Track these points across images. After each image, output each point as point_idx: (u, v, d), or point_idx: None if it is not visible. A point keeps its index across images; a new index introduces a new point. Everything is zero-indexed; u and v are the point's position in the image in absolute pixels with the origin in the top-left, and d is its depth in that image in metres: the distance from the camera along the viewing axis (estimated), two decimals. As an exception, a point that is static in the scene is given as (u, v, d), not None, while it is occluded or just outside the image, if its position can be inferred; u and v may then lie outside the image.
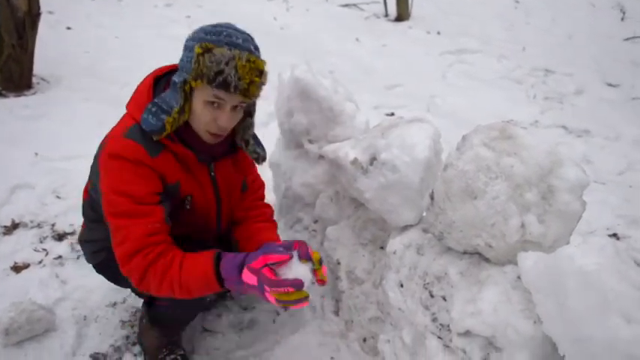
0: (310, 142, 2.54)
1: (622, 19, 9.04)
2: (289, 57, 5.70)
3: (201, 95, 1.82)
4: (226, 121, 1.88)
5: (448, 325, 1.79)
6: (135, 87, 2.00)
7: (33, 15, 4.59)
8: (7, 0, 4.44)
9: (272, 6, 8.28)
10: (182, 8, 7.54)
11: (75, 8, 7.03)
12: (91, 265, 2.32)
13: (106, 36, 6.23)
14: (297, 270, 1.71)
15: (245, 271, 1.73)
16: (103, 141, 1.99)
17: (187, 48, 1.82)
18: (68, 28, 6.40)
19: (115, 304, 2.67)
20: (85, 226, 2.28)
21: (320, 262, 1.80)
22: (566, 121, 5.40)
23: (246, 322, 2.64)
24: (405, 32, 7.85)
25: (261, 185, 2.48)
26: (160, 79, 2.00)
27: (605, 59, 7.29)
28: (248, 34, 1.86)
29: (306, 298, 1.70)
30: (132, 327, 2.56)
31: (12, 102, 4.49)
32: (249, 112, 2.12)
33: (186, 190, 2.01)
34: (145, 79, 1.99)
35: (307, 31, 7.42)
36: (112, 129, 1.96)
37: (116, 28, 6.48)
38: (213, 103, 1.83)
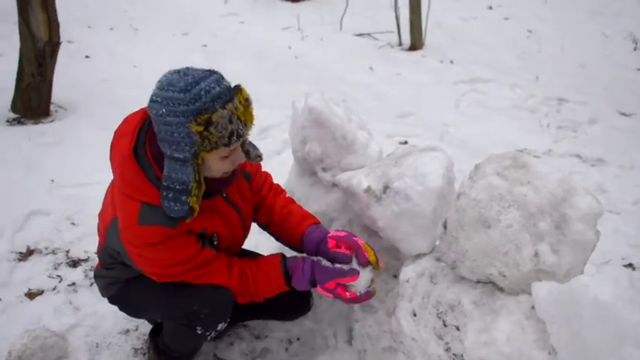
0: (324, 170, 2.56)
1: (635, 49, 9.04)
2: (303, 85, 5.75)
3: (217, 155, 1.82)
4: (242, 157, 1.93)
5: (462, 355, 1.78)
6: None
7: (53, 44, 4.67)
8: (28, 30, 4.53)
9: (286, 35, 8.36)
10: (198, 37, 7.63)
11: (94, 37, 7.14)
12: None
13: (123, 64, 6.32)
14: (363, 280, 2.07)
15: (319, 288, 2.08)
16: (113, 223, 1.96)
17: (172, 124, 1.71)
18: (86, 57, 6.50)
19: (127, 331, 2.67)
20: (101, 265, 2.26)
21: (376, 261, 2.12)
22: (580, 150, 5.37)
23: (259, 351, 2.63)
24: (419, 61, 7.88)
25: (258, 165, 2.46)
26: (136, 148, 1.90)
27: (618, 88, 7.27)
28: (209, 71, 1.79)
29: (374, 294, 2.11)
30: (144, 355, 2.55)
31: (30, 129, 4.56)
32: None
33: (211, 229, 2.05)
34: (121, 156, 1.89)
35: (321, 59, 7.48)
36: (121, 217, 1.92)
37: (133, 57, 6.57)
38: (228, 155, 1.86)
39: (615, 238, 3.62)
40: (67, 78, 5.27)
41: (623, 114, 6.47)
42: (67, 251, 3.19)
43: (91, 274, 3.00)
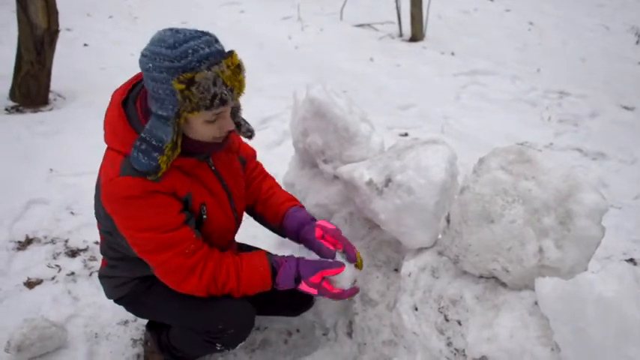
0: (325, 162, 2.54)
1: (637, 42, 9.02)
2: (303, 76, 5.73)
3: (200, 118, 1.78)
4: (230, 125, 1.87)
5: (463, 350, 1.77)
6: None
7: (52, 32, 4.64)
8: (27, 17, 4.50)
9: (287, 24, 8.32)
10: (197, 26, 7.55)
11: (92, 25, 7.11)
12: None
13: (121, 53, 6.28)
14: (348, 274, 2.04)
15: (303, 284, 2.02)
16: (98, 184, 1.93)
17: (157, 79, 1.70)
18: (85, 45, 6.47)
19: (126, 322, 2.66)
20: (105, 263, 2.22)
21: (361, 261, 2.16)
22: (581, 144, 5.37)
23: (258, 342, 2.62)
24: (419, 52, 7.86)
25: (253, 153, 2.47)
26: (126, 101, 1.89)
27: (619, 82, 7.26)
28: (202, 32, 1.77)
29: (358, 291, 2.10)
30: (143, 346, 2.54)
31: (29, 118, 4.53)
32: None
33: (199, 199, 1.98)
34: (111, 107, 1.88)
35: (321, 50, 7.45)
36: (102, 170, 1.89)
37: (132, 45, 6.52)
38: (214, 119, 1.81)
39: (616, 232, 3.62)
40: (65, 66, 5.24)
41: (625, 107, 6.46)
42: (66, 241, 3.17)
43: (91, 264, 3.00)
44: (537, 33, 9.14)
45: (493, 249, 1.67)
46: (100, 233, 2.14)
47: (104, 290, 2.29)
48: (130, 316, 2.67)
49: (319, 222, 2.20)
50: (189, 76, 1.67)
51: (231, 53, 1.77)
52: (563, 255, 1.62)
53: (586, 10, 10.47)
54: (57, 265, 2.98)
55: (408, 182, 2.03)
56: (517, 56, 8.04)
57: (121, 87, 1.93)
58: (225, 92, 1.73)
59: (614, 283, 1.36)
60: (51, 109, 4.76)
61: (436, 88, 6.59)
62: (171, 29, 1.74)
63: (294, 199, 2.36)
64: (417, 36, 8.28)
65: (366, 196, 2.19)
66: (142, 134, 1.78)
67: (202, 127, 1.82)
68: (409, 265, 2.09)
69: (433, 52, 7.91)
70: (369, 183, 2.17)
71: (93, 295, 2.78)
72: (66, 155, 3.96)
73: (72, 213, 3.40)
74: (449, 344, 1.84)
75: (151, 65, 1.70)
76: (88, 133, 4.24)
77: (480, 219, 1.67)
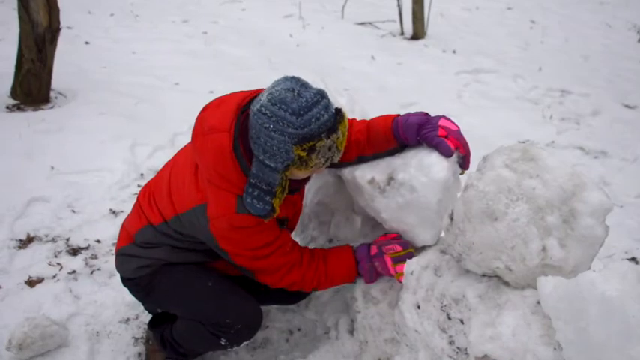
0: (327, 160, 2.53)
1: (639, 40, 9.00)
2: (305, 74, 5.69)
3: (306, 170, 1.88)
4: (324, 168, 1.97)
5: (466, 349, 1.76)
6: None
7: (53, 30, 4.63)
8: (28, 15, 4.49)
9: (288, 23, 8.31)
10: (198, 24, 7.59)
11: (93, 23, 7.11)
12: (114, 277, 2.30)
13: (122, 51, 6.29)
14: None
15: (372, 246, 2.16)
16: (202, 212, 1.98)
17: (275, 139, 1.75)
18: (86, 43, 6.46)
19: (127, 320, 2.66)
20: (131, 240, 2.21)
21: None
22: (582, 142, 5.36)
23: (260, 340, 2.62)
24: (421, 51, 7.85)
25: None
26: (236, 144, 1.91)
27: (621, 80, 7.24)
28: (320, 93, 1.78)
29: (412, 254, 2.11)
30: (144, 344, 2.54)
31: (30, 116, 4.52)
32: None
33: (287, 215, 2.13)
34: (219, 152, 1.89)
35: (323, 48, 7.44)
36: (215, 207, 1.94)
37: (133, 43, 6.53)
38: None
39: (618, 231, 3.60)
40: (66, 64, 5.24)
41: (627, 106, 6.45)
42: (68, 239, 3.17)
43: (92, 262, 3.00)
44: (539, 31, 9.13)
45: (496, 247, 1.66)
46: (151, 220, 2.15)
47: (121, 266, 2.27)
48: (131, 314, 2.67)
49: (441, 122, 2.11)
50: (311, 144, 1.75)
51: (342, 115, 1.84)
52: (566, 254, 1.61)
53: (588, 7, 10.46)
54: (58, 264, 2.98)
55: (410, 180, 2.02)
56: (519, 54, 8.03)
57: (219, 124, 1.92)
58: (336, 155, 1.85)
59: (616, 282, 1.35)
60: (52, 107, 4.75)
61: (438, 87, 6.58)
62: (292, 89, 1.76)
63: (388, 116, 2.24)
64: (418, 34, 8.26)
65: (368, 194, 2.19)
66: (251, 180, 1.87)
67: (302, 174, 1.93)
68: (412, 264, 2.08)
69: (435, 50, 7.90)
70: (371, 181, 2.16)
71: (94, 294, 2.79)
72: (67, 153, 3.96)
73: (73, 211, 3.40)
74: (451, 342, 1.83)
75: (272, 126, 1.74)
76: (90, 131, 4.26)
77: (483, 217, 1.67)
